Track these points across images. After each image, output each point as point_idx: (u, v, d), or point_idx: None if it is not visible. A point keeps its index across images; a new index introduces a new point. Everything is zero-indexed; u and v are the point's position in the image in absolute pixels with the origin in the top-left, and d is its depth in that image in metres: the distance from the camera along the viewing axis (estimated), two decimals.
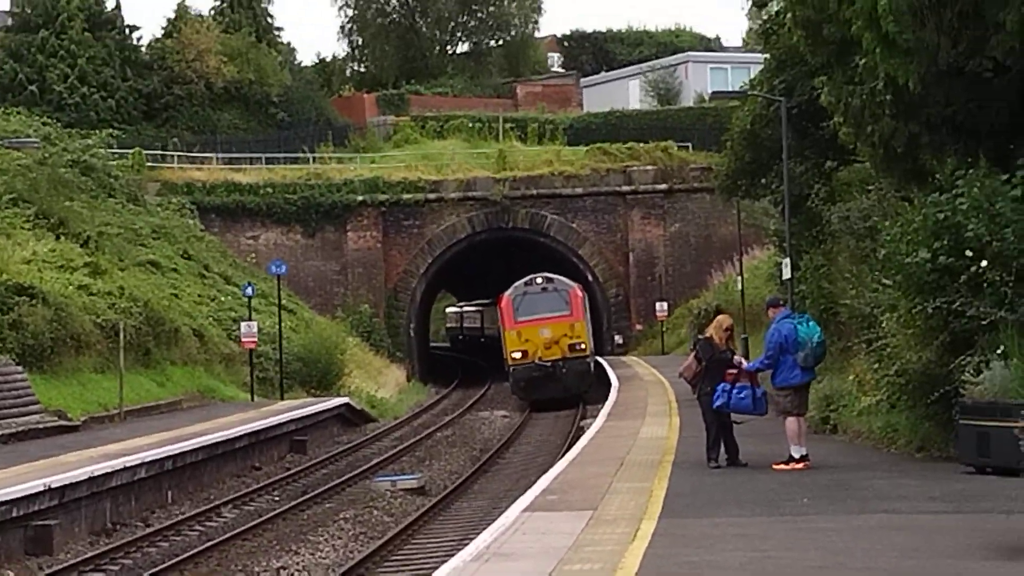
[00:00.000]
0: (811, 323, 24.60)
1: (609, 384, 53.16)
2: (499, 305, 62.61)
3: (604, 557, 15.53)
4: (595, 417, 39.45)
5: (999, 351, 21.76)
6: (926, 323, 23.66)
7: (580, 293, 61.85)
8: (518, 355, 58.64)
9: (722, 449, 24.44)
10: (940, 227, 23.20)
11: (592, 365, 61.46)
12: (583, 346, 59.47)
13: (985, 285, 22.59)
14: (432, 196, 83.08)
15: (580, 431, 40.29)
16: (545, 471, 27.13)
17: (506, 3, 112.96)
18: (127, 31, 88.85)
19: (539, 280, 60.88)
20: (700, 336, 25.17)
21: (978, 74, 24.24)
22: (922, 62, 24.05)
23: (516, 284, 61.18)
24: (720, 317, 25.67)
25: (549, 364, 58.02)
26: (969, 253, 22.67)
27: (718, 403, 23.99)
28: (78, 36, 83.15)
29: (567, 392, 57.91)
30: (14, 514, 26.52)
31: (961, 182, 23.67)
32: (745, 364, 24.53)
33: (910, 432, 25.74)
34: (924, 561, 14.74)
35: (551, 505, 20.42)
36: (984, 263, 22.53)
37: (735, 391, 23.95)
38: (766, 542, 16.29)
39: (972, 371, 22.18)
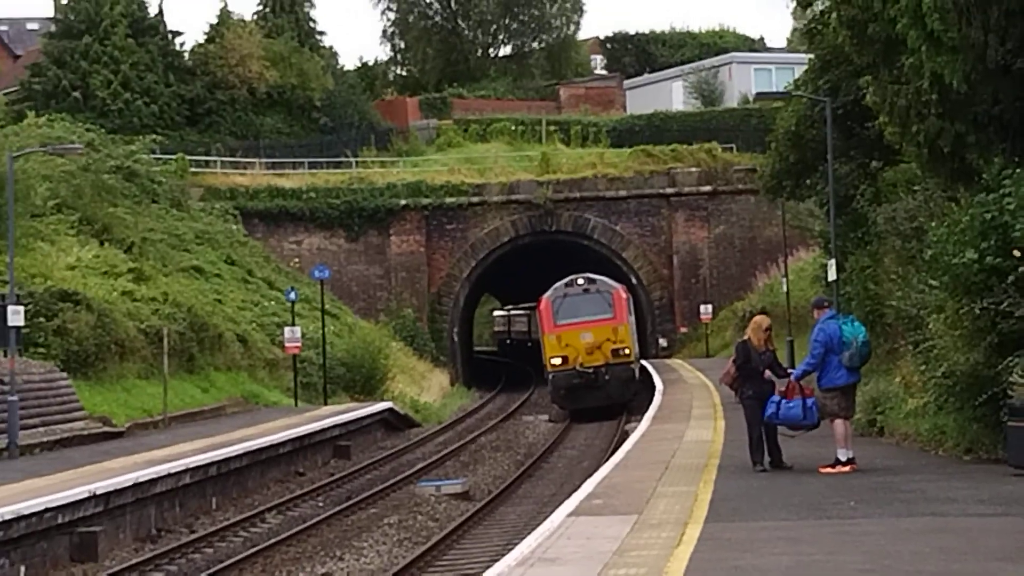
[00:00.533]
0: (856, 323, 24.55)
1: (653, 387, 52.81)
2: (538, 308, 60.83)
3: (649, 562, 15.52)
4: (640, 420, 39.37)
5: None
6: (973, 324, 23.54)
7: (624, 295, 59.45)
8: (558, 361, 56.54)
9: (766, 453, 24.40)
10: (987, 227, 23.10)
11: (637, 371, 59.40)
12: (627, 351, 57.04)
13: None
14: (475, 199, 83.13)
15: (625, 435, 40.24)
16: (590, 475, 27.09)
17: (547, 5, 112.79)
18: (170, 36, 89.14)
19: (580, 281, 58.51)
20: (741, 340, 25.09)
21: None
22: (968, 60, 23.97)
23: (556, 285, 58.90)
24: (758, 318, 25.66)
25: (591, 371, 55.80)
26: (1017, 253, 22.57)
27: (768, 414, 23.95)
28: (121, 42, 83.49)
29: (610, 400, 55.97)
30: (59, 520, 26.70)
31: (1008, 181, 23.56)
32: (792, 372, 24.45)
33: (958, 434, 25.63)
34: (972, 564, 14.67)
35: (596, 509, 20.41)
36: None
37: (784, 401, 23.91)
38: (812, 546, 16.25)
39: (1021, 372, 22.05)
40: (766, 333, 24.68)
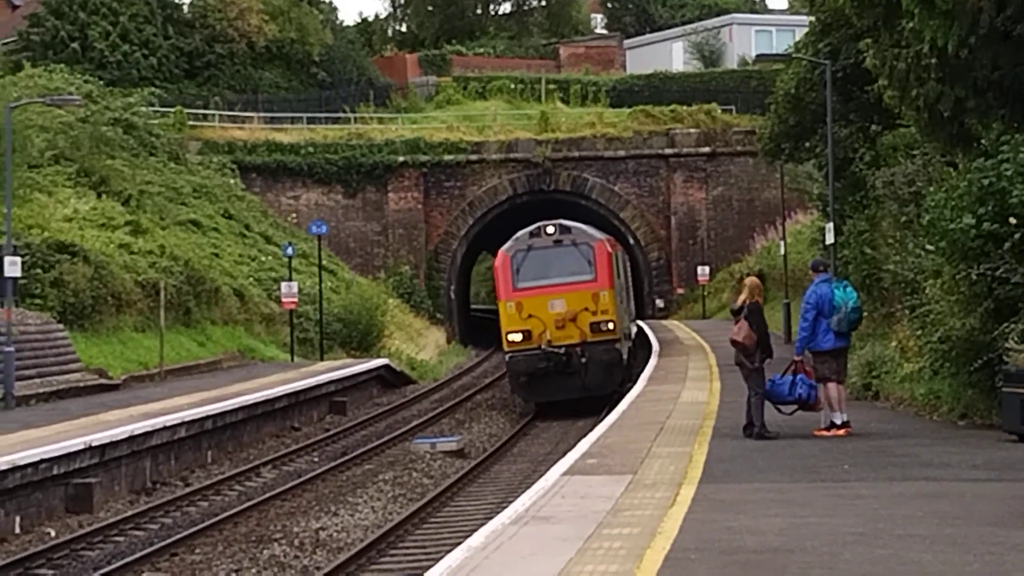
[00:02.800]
0: (848, 289, 24.57)
1: (650, 348, 51.95)
2: (494, 265, 45.80)
3: (643, 521, 15.57)
4: (636, 381, 39.45)
5: None
6: (970, 289, 23.59)
7: (609, 249, 44.58)
8: (517, 338, 42.07)
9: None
10: (985, 192, 23.13)
11: (625, 353, 45.77)
12: (611, 325, 42.60)
13: None
14: (473, 157, 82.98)
15: (621, 395, 40.36)
16: (585, 435, 27.15)
17: None
18: None
19: (550, 229, 43.60)
20: (753, 301, 24.68)
21: None
22: (963, 25, 23.92)
23: (518, 235, 44.28)
24: (753, 279, 25.61)
25: (562, 352, 41.42)
26: (1014, 220, 22.59)
27: (787, 393, 23.85)
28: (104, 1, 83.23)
29: (587, 392, 42.10)
30: (55, 472, 26.78)
31: (1007, 147, 23.58)
32: (796, 355, 24.31)
33: (953, 399, 25.71)
34: (965, 529, 14.73)
35: (591, 469, 20.46)
36: None
37: (777, 377, 23.95)
38: (806, 508, 16.31)
39: (1016, 338, 22.10)
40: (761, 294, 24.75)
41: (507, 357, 43.05)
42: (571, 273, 42.92)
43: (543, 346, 41.79)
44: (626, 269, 54.31)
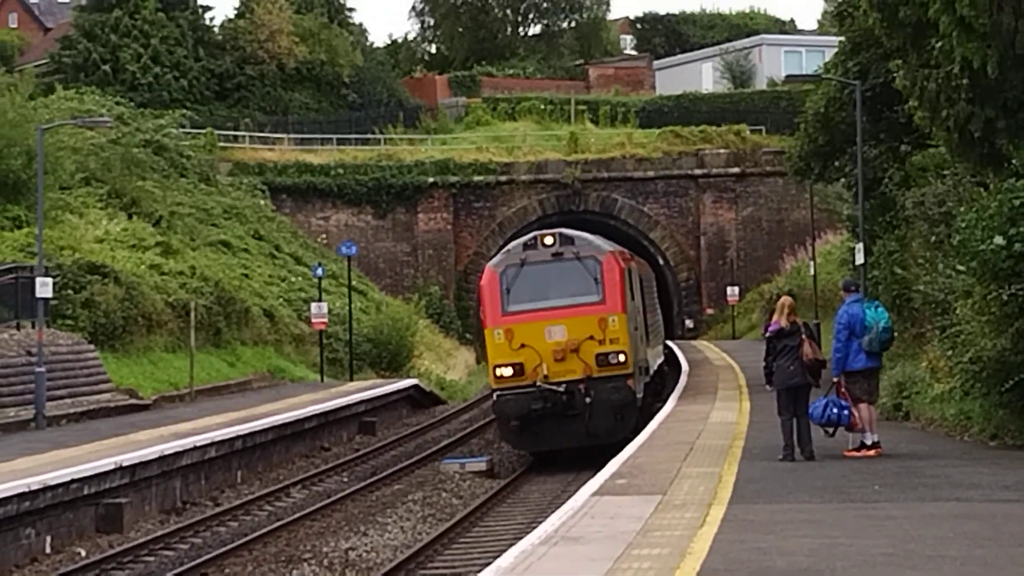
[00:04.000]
0: (879, 309, 24.51)
1: (679, 368, 51.50)
2: (479, 284, 38.78)
3: (673, 542, 15.54)
4: (665, 401, 39.37)
5: None
6: (1001, 310, 23.50)
7: (620, 264, 36.14)
8: (507, 372, 34.48)
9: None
10: (1016, 213, 23.05)
11: (640, 391, 36.89)
12: (622, 357, 34.72)
13: None
14: (503, 178, 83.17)
15: (651, 415, 40.29)
16: (615, 455, 27.12)
17: None
18: (200, 11, 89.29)
19: (549, 240, 35.79)
20: (811, 322, 23.95)
21: None
22: (999, 46, 23.90)
23: (510, 247, 37.73)
24: (789, 298, 25.25)
25: (562, 389, 33.82)
26: None
27: (821, 416, 23.61)
28: (151, 16, 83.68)
29: (592, 439, 34.18)
30: (85, 492, 26.83)
31: None
32: (834, 376, 24.02)
33: (984, 420, 25.60)
34: (995, 550, 14.67)
35: (620, 489, 20.43)
36: None
37: (830, 403, 23.73)
38: (835, 529, 16.25)
39: None
40: None
41: (495, 396, 34.97)
42: (573, 294, 35.16)
43: (538, 383, 33.91)
44: (647, 288, 46.42)
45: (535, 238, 36.15)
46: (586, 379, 34.24)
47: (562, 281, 35.37)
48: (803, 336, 23.33)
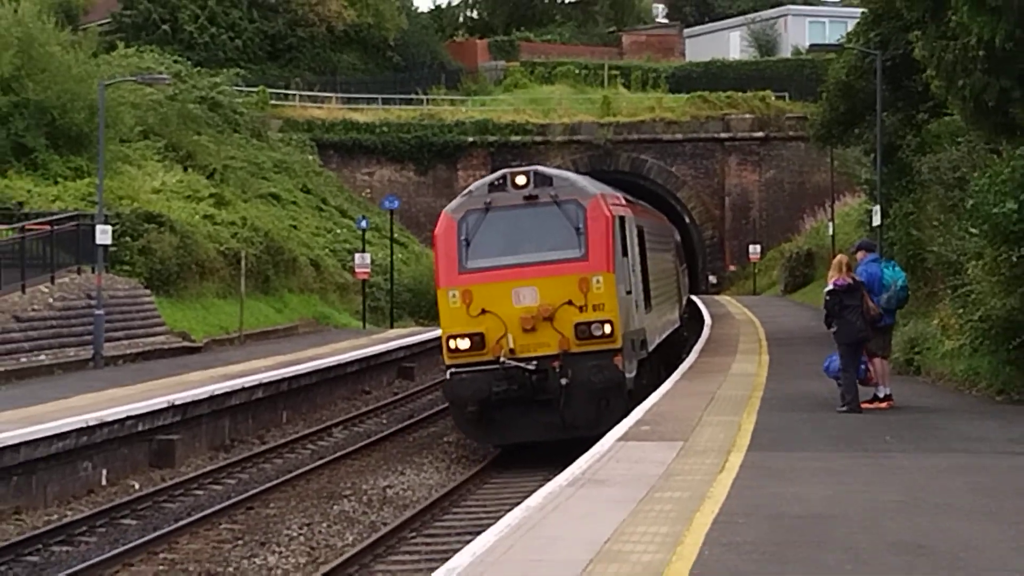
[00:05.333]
0: (897, 268, 24.41)
1: (703, 321, 50.72)
2: (433, 235, 28.61)
3: (693, 486, 15.53)
4: (689, 353, 39.29)
5: None
6: (1011, 271, 23.39)
7: (608, 211, 26.83)
8: (463, 345, 26.10)
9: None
10: None
11: (632, 371, 27.33)
12: (607, 327, 25.95)
13: None
14: (539, 139, 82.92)
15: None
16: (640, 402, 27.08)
17: None
18: None
19: (520, 180, 26.89)
20: (838, 286, 23.35)
21: None
22: (1010, 20, 23.71)
23: (474, 187, 28.15)
24: (844, 256, 24.38)
25: (531, 367, 25.59)
26: None
27: (836, 369, 23.43)
28: None
29: (569, 430, 25.64)
30: (140, 428, 26.99)
31: None
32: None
33: (991, 376, 25.52)
34: (1000, 500, 14.62)
35: (644, 435, 20.42)
36: None
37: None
38: (848, 477, 16.22)
39: None
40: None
41: (448, 374, 26.35)
42: (549, 247, 26.21)
43: (502, 359, 25.42)
44: (658, 243, 37.95)
45: (504, 177, 26.98)
46: (562, 355, 25.37)
47: (535, 231, 26.41)
48: (863, 293, 22.98)
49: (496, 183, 26.88)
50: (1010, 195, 22.99)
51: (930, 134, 38.89)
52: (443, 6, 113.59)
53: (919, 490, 15.26)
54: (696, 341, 41.64)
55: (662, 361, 35.21)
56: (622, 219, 27.93)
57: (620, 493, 15.26)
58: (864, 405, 23.47)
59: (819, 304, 26.99)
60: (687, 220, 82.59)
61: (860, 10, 46.85)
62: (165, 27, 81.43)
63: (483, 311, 25.73)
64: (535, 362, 25.47)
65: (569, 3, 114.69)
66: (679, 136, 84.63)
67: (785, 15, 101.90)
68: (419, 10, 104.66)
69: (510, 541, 13.01)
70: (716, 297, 71.95)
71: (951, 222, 29.84)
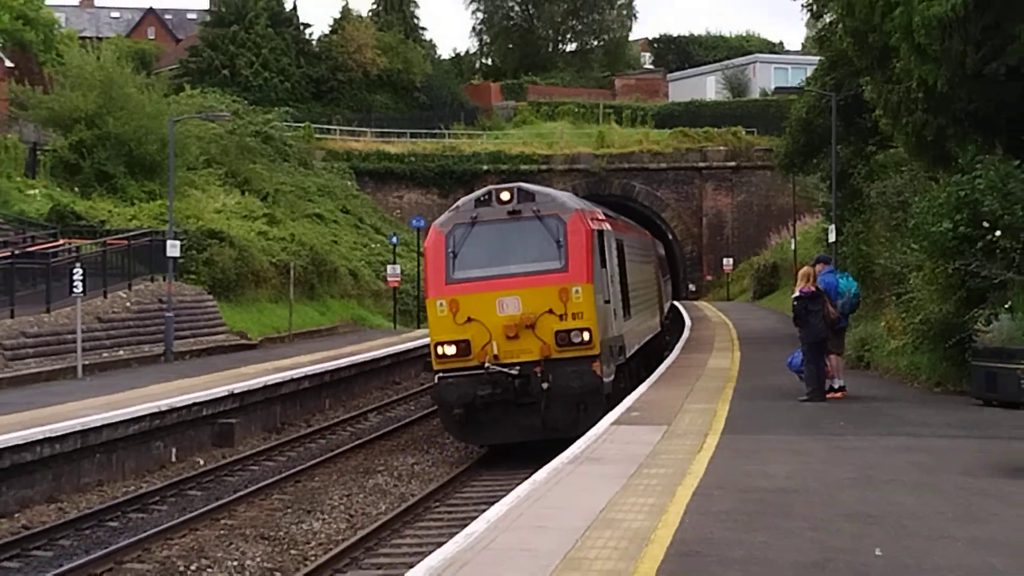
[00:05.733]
0: (850, 279, 24.39)
1: (683, 323, 50.09)
2: (424, 246, 26.46)
3: (676, 464, 15.52)
4: (671, 351, 39.22)
5: (1007, 306, 21.50)
6: (947, 281, 23.38)
7: (587, 224, 24.95)
8: (450, 351, 24.09)
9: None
10: (961, 202, 22.88)
11: (610, 376, 25.23)
12: (586, 335, 24.07)
13: (997, 251, 22.32)
14: (543, 167, 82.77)
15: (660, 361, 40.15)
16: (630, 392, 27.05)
17: (606, 11, 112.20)
18: (301, 27, 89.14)
19: (505, 196, 24.94)
20: (803, 293, 23.21)
21: (995, 78, 23.89)
22: (948, 67, 23.72)
23: (461, 202, 25.87)
24: (809, 268, 23.82)
25: (514, 372, 23.72)
26: (985, 224, 22.37)
27: (800, 364, 23.39)
28: (262, 31, 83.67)
29: (549, 432, 23.73)
30: (204, 413, 27.01)
31: (980, 166, 23.31)
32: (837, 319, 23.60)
33: (930, 370, 25.47)
34: (940, 477, 14.60)
35: (634, 420, 20.39)
36: (997, 233, 22.26)
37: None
38: (808, 456, 16.20)
39: (983, 322, 21.89)
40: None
41: (436, 379, 24.31)
42: (531, 259, 24.16)
43: (487, 364, 23.47)
44: (640, 256, 36.48)
45: (490, 193, 24.86)
46: (543, 361, 23.45)
47: (518, 244, 24.38)
48: (824, 299, 22.94)
49: (482, 199, 24.76)
50: (946, 216, 22.98)
51: (878, 164, 38.84)
52: (462, 54, 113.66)
53: (869, 467, 15.23)
54: (678, 340, 41.54)
55: (643, 363, 33.18)
56: (601, 233, 25.77)
57: (613, 469, 15.25)
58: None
59: (783, 309, 27.10)
60: (670, 237, 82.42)
61: (818, 58, 46.84)
62: (225, 72, 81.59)
63: (469, 319, 23.66)
64: (518, 367, 23.46)
65: (569, 52, 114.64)
66: (663, 165, 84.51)
67: (754, 62, 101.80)
68: (441, 57, 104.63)
69: (519, 510, 13.01)
70: (695, 303, 71.82)
71: (895, 239, 29.81)
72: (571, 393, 23.29)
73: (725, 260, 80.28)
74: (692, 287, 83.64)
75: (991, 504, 12.86)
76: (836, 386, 23.50)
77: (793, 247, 63.39)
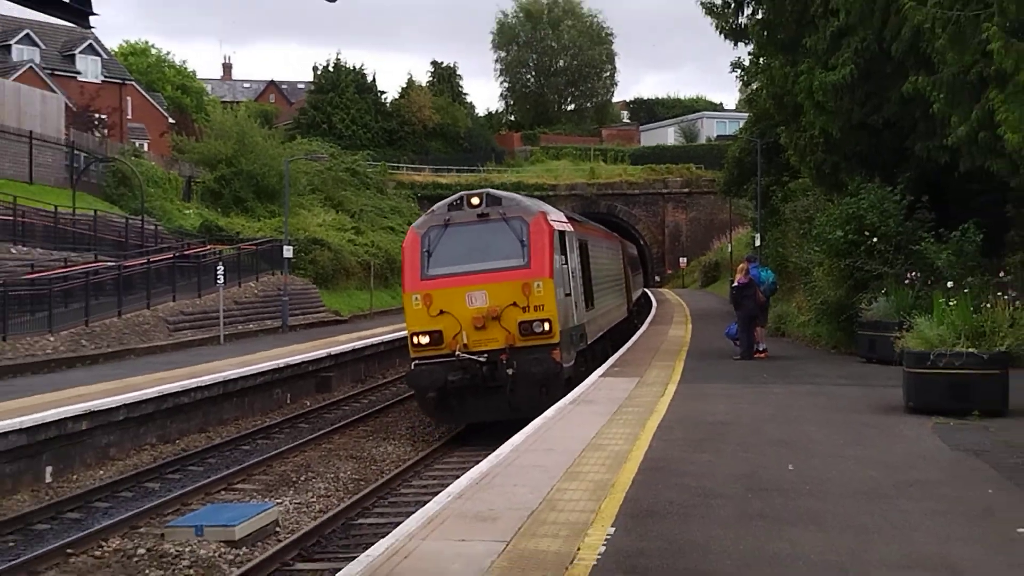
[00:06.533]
0: (769, 271, 24.38)
1: (651, 304, 49.44)
2: (402, 248, 20.68)
3: (645, 404, 15.53)
4: (643, 325, 39.16)
5: (883, 292, 21.44)
6: (839, 274, 23.33)
7: (548, 226, 20.16)
8: (424, 340, 19.48)
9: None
10: (849, 217, 22.83)
11: (569, 362, 20.47)
12: (547, 325, 19.39)
13: (875, 252, 22.30)
14: (551, 193, 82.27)
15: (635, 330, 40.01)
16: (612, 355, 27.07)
17: (595, 81, 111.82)
18: (379, 93, 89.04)
19: (475, 200, 20.38)
20: (741, 283, 23.19)
21: (875, 128, 23.85)
22: (840, 120, 23.68)
23: (436, 207, 21.17)
24: (743, 264, 23.91)
25: (482, 359, 19.15)
26: (867, 233, 22.34)
27: (735, 332, 23.38)
28: (351, 96, 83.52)
29: (515, 412, 18.96)
30: (310, 368, 27.09)
31: (863, 191, 23.25)
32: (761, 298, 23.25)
33: (828, 337, 25.42)
34: (834, 414, 14.59)
35: (616, 373, 20.39)
36: (875, 239, 22.21)
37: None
38: (740, 399, 16.20)
39: (866, 303, 21.83)
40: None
41: (412, 366, 19.77)
42: (497, 257, 19.92)
43: (458, 352, 19.27)
44: (606, 256, 31.59)
45: (461, 198, 20.40)
46: (508, 349, 19.10)
47: (486, 244, 19.87)
48: (755, 288, 22.99)
49: (454, 203, 20.12)
50: (839, 227, 22.93)
51: (790, 190, 38.75)
52: (493, 112, 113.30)
53: (784, 407, 15.23)
54: (648, 317, 41.52)
55: (613, 341, 29.01)
56: (562, 233, 20.99)
57: (601, 409, 15.28)
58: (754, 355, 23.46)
59: (722, 294, 27.16)
60: (642, 242, 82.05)
61: (747, 114, 46.77)
62: (324, 125, 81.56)
63: (441, 312, 19.11)
64: (486, 355, 18.96)
65: (569, 110, 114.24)
66: (637, 191, 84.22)
67: (701, 117, 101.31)
68: (478, 114, 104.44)
69: (534, 438, 13.04)
70: (660, 290, 71.63)
71: (803, 244, 29.72)
72: (533, 378, 18.89)
73: (681, 259, 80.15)
74: (657, 278, 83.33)
75: (870, 433, 12.85)
76: (760, 348, 23.48)
77: (730, 250, 63.18)
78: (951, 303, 14.92)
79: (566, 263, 21.13)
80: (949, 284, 16.72)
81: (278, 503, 14.61)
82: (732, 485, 9.81)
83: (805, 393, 16.93)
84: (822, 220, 24.54)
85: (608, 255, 32.51)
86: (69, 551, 12.41)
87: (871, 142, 24.62)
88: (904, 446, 11.92)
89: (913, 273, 20.64)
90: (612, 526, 8.34)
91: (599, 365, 22.55)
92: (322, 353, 28.05)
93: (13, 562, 11.88)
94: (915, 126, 22.25)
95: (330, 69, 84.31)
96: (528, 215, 19.87)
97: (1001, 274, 18.71)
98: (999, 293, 15.91)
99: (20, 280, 29.00)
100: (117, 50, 76.63)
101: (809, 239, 27.63)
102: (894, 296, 20.85)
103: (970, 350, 13.96)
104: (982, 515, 8.68)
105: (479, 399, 19.27)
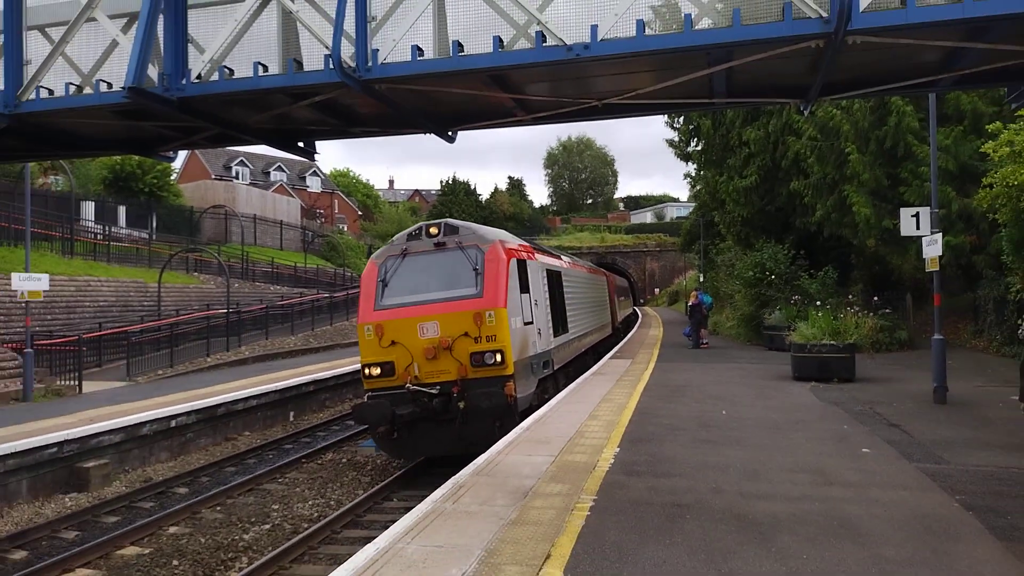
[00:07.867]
0: (708, 296, 24.01)
1: (638, 316, 47.06)
2: (361, 277, 11.94)
3: (636, 375, 15.31)
4: (634, 330, 38.53)
5: (778, 308, 21.00)
6: (751, 297, 22.89)
7: (504, 255, 9.26)
8: (376, 372, 8.64)
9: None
10: (756, 264, 22.40)
11: (527, 392, 10.01)
12: (499, 356, 8.67)
13: (772, 284, 21.84)
14: (577, 251, 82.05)
15: (619, 340, 39.26)
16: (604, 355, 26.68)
17: (604, 186, 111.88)
18: (478, 195, 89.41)
19: (433, 230, 9.52)
20: (693, 303, 23.12)
21: (771, 211, 23.39)
22: (751, 206, 23.30)
23: (396, 237, 10.15)
24: (693, 292, 23.54)
25: (434, 393, 8.70)
26: (767, 272, 21.89)
27: (689, 333, 23.04)
28: (461, 197, 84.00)
29: (466, 446, 8.88)
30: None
31: (765, 248, 22.81)
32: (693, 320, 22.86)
33: (745, 336, 24.83)
34: (750, 380, 14.28)
35: (618, 355, 19.98)
36: (772, 277, 21.76)
37: (690, 331, 23.14)
38: (693, 373, 15.90)
39: (768, 314, 21.36)
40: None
41: (365, 397, 10.04)
42: (451, 286, 10.02)
43: (408, 384, 9.78)
44: (583, 284, 19.40)
45: (421, 228, 11.30)
46: (460, 381, 10.17)
47: (441, 273, 10.72)
48: (700, 306, 22.60)
49: (413, 233, 11.45)
50: (750, 269, 22.54)
51: (720, 248, 38.17)
52: (544, 205, 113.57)
53: (720, 379, 14.93)
54: (635, 324, 41.02)
55: (596, 354, 20.07)
56: (521, 262, 11.82)
57: (610, 378, 15.09)
58: (702, 346, 23.06)
59: (682, 310, 26.84)
60: (632, 279, 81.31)
61: (695, 203, 46.30)
62: (447, 215, 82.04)
63: (393, 343, 10.52)
64: (438, 387, 10.43)
65: (588, 202, 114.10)
66: (628, 250, 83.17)
67: (668, 206, 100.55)
68: (535, 206, 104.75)
69: (570, 396, 12.86)
70: (644, 308, 70.77)
71: (729, 280, 29.23)
72: (484, 412, 10.23)
73: (656, 289, 79.10)
74: (642, 301, 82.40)
75: (772, 391, 12.56)
76: (704, 342, 23.06)
77: (684, 284, 62.22)
78: (819, 314, 14.80)
79: (526, 291, 12.06)
80: (818, 303, 16.45)
81: None
82: (688, 423, 9.68)
83: (731, 368, 16.59)
84: (740, 265, 24.12)
85: (591, 284, 22.68)
86: (303, 460, 12.68)
87: (769, 219, 24.21)
88: (792, 399, 11.65)
89: (796, 297, 20.26)
90: (618, 447, 8.30)
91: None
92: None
93: (271, 467, 12.20)
94: (795, 209, 21.89)
95: (450, 182, 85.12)
96: (484, 243, 11.20)
97: (849, 297, 18.41)
98: (848, 308, 15.85)
99: (275, 304, 29.90)
100: (330, 173, 78.54)
101: (732, 277, 27.18)
102: (784, 311, 20.41)
103: (831, 342, 13.83)
104: (839, 440, 8.53)
105: (430, 432, 10.72)
